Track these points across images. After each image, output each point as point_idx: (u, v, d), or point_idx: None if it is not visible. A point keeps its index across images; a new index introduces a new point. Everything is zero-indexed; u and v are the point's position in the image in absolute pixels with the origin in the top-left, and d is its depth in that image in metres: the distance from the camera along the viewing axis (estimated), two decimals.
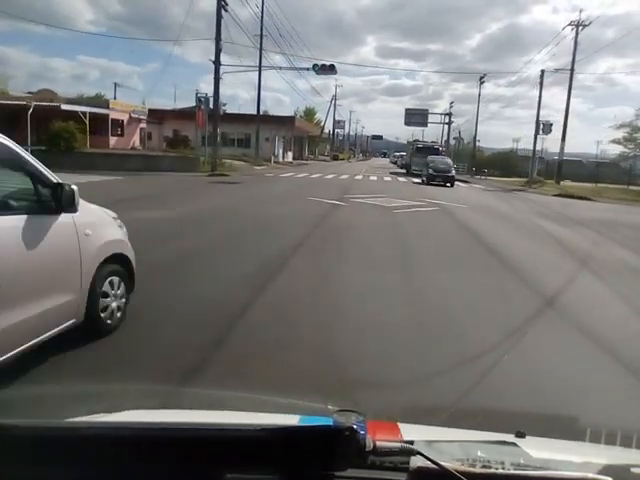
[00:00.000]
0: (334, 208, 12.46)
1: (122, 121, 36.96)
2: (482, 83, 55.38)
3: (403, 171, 40.45)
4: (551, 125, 28.90)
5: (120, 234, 3.77)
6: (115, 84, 62.98)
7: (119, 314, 3.63)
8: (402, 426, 1.07)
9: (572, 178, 31.00)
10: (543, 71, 29.01)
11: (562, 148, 32.14)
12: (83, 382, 2.61)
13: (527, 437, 1.13)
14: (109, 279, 3.49)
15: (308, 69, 24.27)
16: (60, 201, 2.94)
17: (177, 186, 16.78)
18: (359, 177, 28.57)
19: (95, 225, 3.38)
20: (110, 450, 0.78)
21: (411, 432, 1.04)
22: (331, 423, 0.88)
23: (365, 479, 0.82)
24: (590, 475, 0.85)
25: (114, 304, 3.55)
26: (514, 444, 1.03)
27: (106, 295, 3.46)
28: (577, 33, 31.06)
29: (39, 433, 0.80)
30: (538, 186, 29.29)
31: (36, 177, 2.92)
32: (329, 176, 27.74)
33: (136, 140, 39.12)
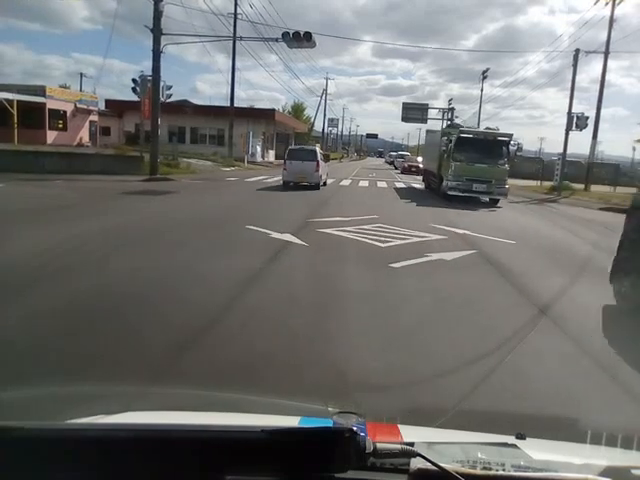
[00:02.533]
0: (277, 258, 6.44)
1: (64, 112, 30.71)
2: (484, 78, 50.43)
3: (405, 178, 29.17)
4: (587, 118, 23.06)
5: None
6: (81, 74, 56.62)
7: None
8: (402, 428, 1.07)
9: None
10: (578, 50, 23.18)
11: (593, 147, 26.54)
12: (86, 381, 2.55)
13: (527, 439, 1.11)
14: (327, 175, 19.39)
15: (277, 40, 18.23)
16: (325, 159, 21.63)
17: (60, 200, 10.76)
18: (346, 182, 22.56)
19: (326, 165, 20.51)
20: (111, 452, 0.78)
21: (411, 434, 1.03)
22: (331, 425, 0.87)
23: None
24: (591, 477, 0.84)
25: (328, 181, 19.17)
26: (514, 446, 1.03)
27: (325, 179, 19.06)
28: (613, 7, 25.40)
29: (43, 435, 0.80)
30: (569, 194, 23.57)
31: (324, 156, 21.42)
32: None
33: (84, 135, 32.90)
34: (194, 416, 1.27)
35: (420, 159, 37.09)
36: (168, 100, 20.66)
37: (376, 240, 7.87)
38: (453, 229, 9.66)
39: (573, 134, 23.56)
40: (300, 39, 17.24)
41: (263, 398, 2.01)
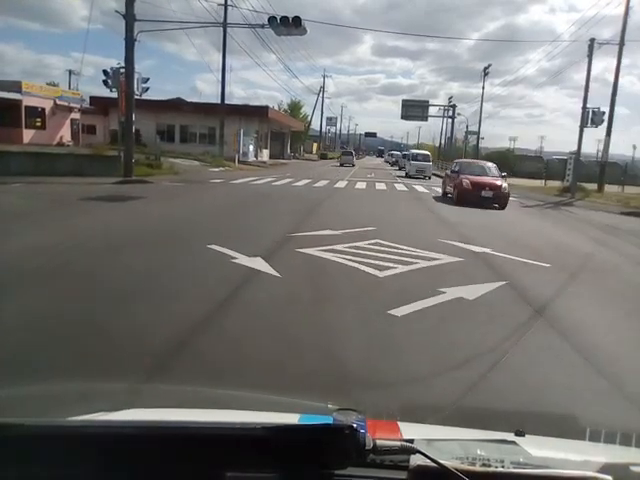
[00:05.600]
0: (230, 303, 4.55)
1: (43, 109, 28.86)
2: (486, 75, 48.59)
3: (410, 182, 23.70)
4: (603, 114, 21.23)
5: None
6: (70, 71, 54.70)
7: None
8: (402, 425, 1.06)
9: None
10: (593, 40, 21.32)
11: (607, 145, 24.63)
12: (85, 380, 2.47)
13: (527, 436, 1.09)
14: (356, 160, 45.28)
15: (263, 26, 16.40)
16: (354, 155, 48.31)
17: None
18: (341, 184, 20.73)
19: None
20: (111, 449, 0.77)
21: (411, 431, 1.03)
22: (331, 422, 0.85)
23: (365, 477, 0.81)
24: (589, 473, 0.83)
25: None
26: (514, 443, 1.01)
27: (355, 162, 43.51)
28: None
29: (43, 432, 0.79)
30: (582, 196, 21.78)
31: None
32: (301, 182, 19.98)
33: (65, 134, 31.03)
34: (194, 413, 1.25)
35: (492, 170, 15.96)
36: (144, 95, 18.89)
37: (372, 265, 6.02)
38: (468, 246, 7.81)
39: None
40: (288, 24, 15.40)
41: (263, 395, 1.96)
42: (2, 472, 0.75)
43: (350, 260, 6.26)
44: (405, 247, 7.26)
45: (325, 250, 6.77)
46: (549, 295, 5.30)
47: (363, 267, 5.95)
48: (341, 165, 42.11)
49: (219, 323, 3.91)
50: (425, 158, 31.17)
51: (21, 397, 1.54)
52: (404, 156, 43.75)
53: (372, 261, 6.24)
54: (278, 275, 5.40)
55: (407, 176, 29.74)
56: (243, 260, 5.97)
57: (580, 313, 4.83)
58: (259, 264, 5.81)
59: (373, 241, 7.60)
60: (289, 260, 6.25)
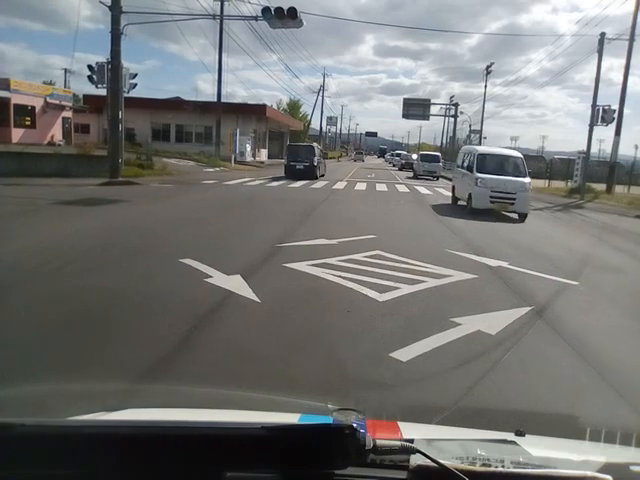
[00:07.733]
0: (187, 347, 3.64)
1: (33, 108, 27.90)
2: (488, 73, 47.61)
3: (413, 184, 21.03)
4: (614, 112, 20.27)
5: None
6: (65, 70, 53.60)
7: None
8: (402, 425, 1.06)
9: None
10: (604, 34, 20.37)
11: (616, 144, 23.61)
12: (84, 380, 2.40)
13: (527, 436, 1.09)
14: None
15: (257, 18, 15.46)
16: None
17: None
18: (341, 185, 19.80)
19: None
20: (111, 448, 0.76)
21: (411, 431, 1.02)
22: (331, 422, 0.84)
23: (365, 477, 0.80)
24: (589, 473, 0.81)
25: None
26: (514, 443, 1.01)
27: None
28: None
29: (44, 432, 0.78)
30: (591, 197, 20.86)
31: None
32: (298, 184, 19.06)
33: (57, 133, 30.08)
34: (194, 413, 1.23)
35: None
36: (138, 93, 17.97)
37: (371, 285, 5.08)
38: (481, 259, 6.87)
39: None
40: (283, 16, 14.42)
41: (263, 395, 1.97)
42: (2, 472, 0.74)
43: (345, 278, 5.32)
44: (410, 260, 6.32)
45: (317, 265, 5.84)
46: (584, 328, 4.36)
47: (360, 287, 5.01)
48: (355, 161, 58.56)
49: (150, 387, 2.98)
50: (507, 166, 13.05)
51: (21, 397, 1.56)
52: (424, 157, 31.00)
53: (371, 279, 5.31)
54: (257, 300, 4.45)
55: (465, 208, 12.91)
56: (218, 279, 5.03)
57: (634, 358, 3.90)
58: (237, 285, 4.87)
59: (373, 253, 6.67)
60: (273, 279, 5.32)
